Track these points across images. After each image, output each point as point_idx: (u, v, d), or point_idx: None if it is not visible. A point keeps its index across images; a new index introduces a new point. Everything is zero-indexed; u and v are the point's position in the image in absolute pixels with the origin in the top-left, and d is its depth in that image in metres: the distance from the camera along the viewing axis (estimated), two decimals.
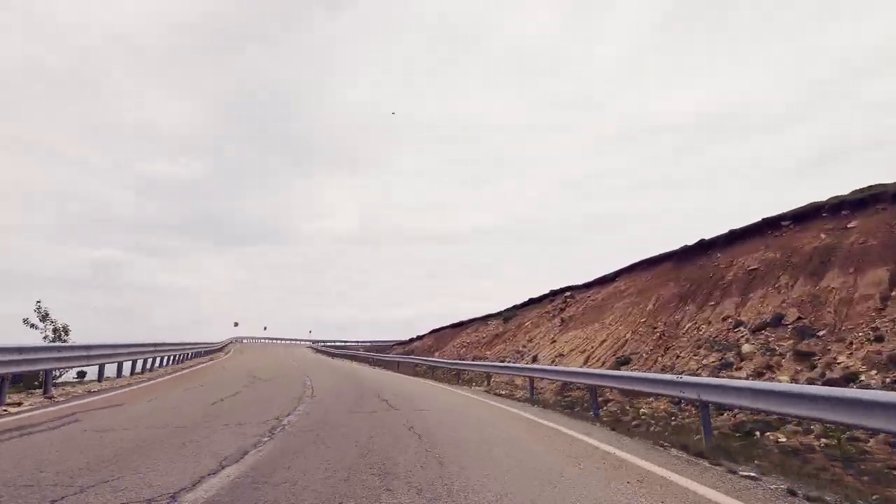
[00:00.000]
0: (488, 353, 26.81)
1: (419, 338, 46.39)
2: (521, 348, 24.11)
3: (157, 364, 16.99)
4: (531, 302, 29.84)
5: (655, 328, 16.45)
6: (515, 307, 31.34)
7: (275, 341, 62.58)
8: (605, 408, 10.65)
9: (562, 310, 24.99)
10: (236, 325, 55.10)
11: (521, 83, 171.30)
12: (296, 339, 64.72)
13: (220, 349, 36.19)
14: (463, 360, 25.49)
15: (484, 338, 30.59)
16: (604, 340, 18.35)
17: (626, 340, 17.05)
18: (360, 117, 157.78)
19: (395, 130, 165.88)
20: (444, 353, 33.34)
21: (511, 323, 29.51)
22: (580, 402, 11.74)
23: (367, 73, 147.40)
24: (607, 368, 15.33)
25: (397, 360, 28.85)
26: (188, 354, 22.13)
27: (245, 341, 58.24)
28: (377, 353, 39.02)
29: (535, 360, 21.00)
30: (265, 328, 63.04)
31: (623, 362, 15.49)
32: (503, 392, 14.12)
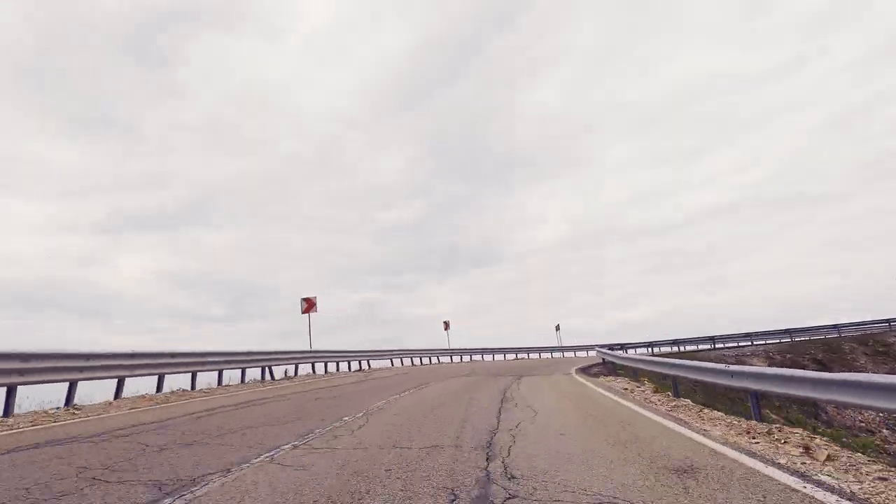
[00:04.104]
0: None
1: None
2: None
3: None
4: None
5: None
6: None
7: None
8: None
9: None
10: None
11: (733, 25, 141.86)
12: (531, 348, 41.14)
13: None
14: None
15: None
16: None
17: None
18: (555, 119, 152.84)
19: (596, 122, 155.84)
20: None
21: None
22: None
23: (553, 74, 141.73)
24: None
25: None
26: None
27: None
28: None
29: None
30: (446, 323, 38.06)
31: None
32: None
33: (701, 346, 36.38)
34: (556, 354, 42.07)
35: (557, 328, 46.01)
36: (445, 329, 38.02)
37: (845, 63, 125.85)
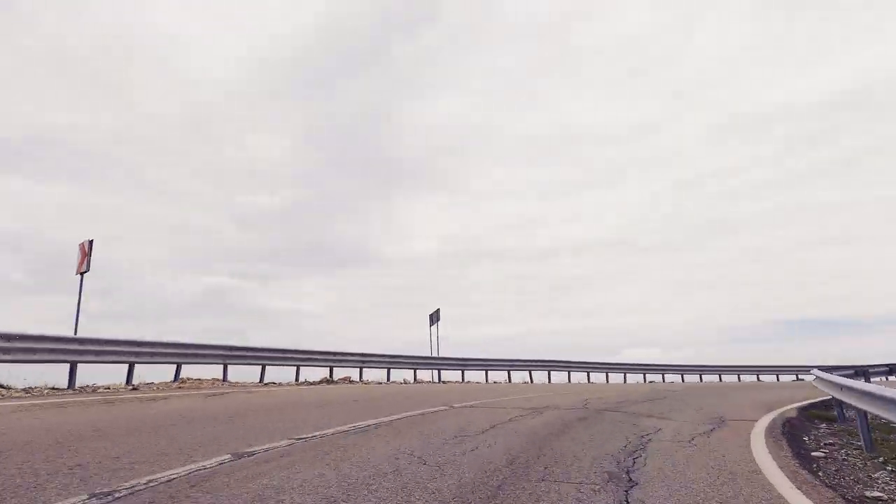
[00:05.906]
0: None
1: None
2: None
3: None
4: None
5: None
6: None
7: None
8: None
9: None
10: None
11: (619, 83, 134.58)
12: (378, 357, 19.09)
13: None
14: None
15: None
16: None
17: None
18: (445, 136, 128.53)
19: (483, 146, 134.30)
20: None
21: None
22: None
23: (451, 91, 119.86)
24: None
25: None
26: None
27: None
28: None
29: None
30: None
31: None
32: None
33: None
34: (427, 375, 19.97)
35: (435, 318, 24.03)
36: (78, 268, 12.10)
37: (697, 133, 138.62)
